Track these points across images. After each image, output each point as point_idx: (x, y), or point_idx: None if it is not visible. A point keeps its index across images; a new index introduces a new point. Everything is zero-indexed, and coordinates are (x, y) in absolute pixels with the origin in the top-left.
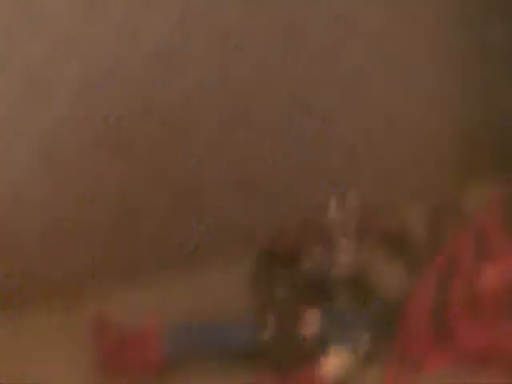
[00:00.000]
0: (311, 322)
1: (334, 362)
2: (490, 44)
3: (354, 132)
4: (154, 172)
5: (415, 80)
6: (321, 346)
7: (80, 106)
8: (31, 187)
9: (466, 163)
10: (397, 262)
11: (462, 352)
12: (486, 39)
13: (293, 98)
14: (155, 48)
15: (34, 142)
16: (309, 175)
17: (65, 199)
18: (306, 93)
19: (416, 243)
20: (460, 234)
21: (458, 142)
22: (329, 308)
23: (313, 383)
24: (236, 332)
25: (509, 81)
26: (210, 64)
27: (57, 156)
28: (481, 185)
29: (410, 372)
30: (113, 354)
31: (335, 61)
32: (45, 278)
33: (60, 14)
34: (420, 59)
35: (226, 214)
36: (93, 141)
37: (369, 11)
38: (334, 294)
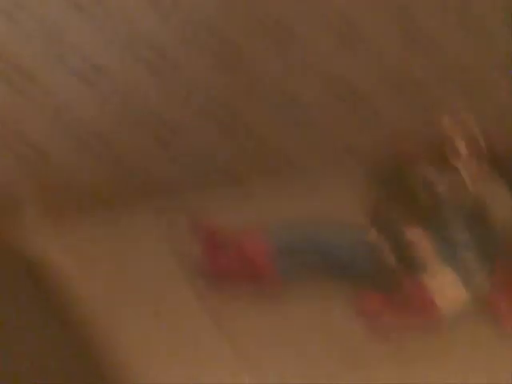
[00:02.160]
0: (420, 239)
1: (440, 279)
2: None
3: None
4: (260, 83)
5: None
6: (428, 263)
7: None
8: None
9: None
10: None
11: None
12: None
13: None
14: None
15: None
16: (422, 95)
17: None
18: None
19: None
20: None
21: None
22: (438, 226)
23: (419, 300)
24: (342, 236)
25: None
26: None
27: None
28: None
29: None
30: (216, 257)
31: None
32: (146, 181)
33: None
34: None
35: (332, 128)
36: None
37: None
38: (443, 213)
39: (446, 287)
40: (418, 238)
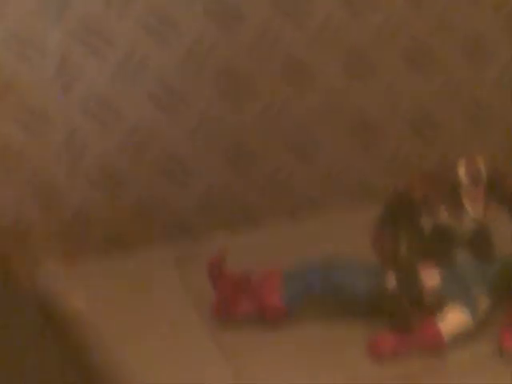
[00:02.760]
0: (432, 277)
1: (451, 317)
2: None
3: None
4: (269, 123)
5: None
6: (440, 301)
7: None
8: None
9: None
10: None
11: None
12: None
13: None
14: None
15: None
16: (427, 132)
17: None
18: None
19: None
20: None
21: None
22: (449, 264)
23: (431, 337)
24: (358, 280)
25: None
26: None
27: None
28: None
29: None
30: (231, 299)
31: None
32: (148, 220)
33: None
34: None
35: (344, 165)
36: None
37: None
38: (455, 251)
39: (456, 323)
40: (432, 279)
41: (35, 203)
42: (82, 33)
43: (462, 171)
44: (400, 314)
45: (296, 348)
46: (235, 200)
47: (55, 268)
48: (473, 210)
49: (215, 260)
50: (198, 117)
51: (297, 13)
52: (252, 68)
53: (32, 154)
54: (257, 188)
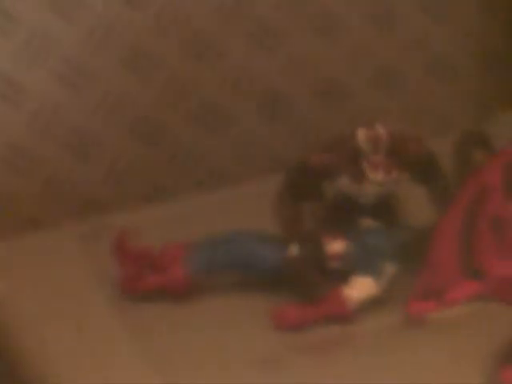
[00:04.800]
0: (335, 246)
1: (357, 286)
2: None
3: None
4: (178, 92)
5: (440, 9)
6: (345, 270)
7: None
8: None
9: (491, 92)
10: (425, 189)
11: (489, 282)
12: None
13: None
14: None
15: None
16: (335, 101)
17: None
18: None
19: (444, 170)
20: (489, 163)
21: (482, 72)
22: (355, 233)
23: (336, 307)
24: (262, 252)
25: None
26: None
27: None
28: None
29: (434, 300)
30: (135, 274)
31: None
32: (62, 195)
33: None
34: None
35: (253, 135)
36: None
37: None
38: (360, 218)
39: (362, 291)
40: (336, 247)
41: None
42: None
43: (361, 138)
44: (304, 284)
45: (202, 322)
46: (143, 173)
47: None
48: (375, 176)
49: (119, 236)
50: (103, 90)
51: None
52: (156, 42)
53: None
54: (165, 160)
